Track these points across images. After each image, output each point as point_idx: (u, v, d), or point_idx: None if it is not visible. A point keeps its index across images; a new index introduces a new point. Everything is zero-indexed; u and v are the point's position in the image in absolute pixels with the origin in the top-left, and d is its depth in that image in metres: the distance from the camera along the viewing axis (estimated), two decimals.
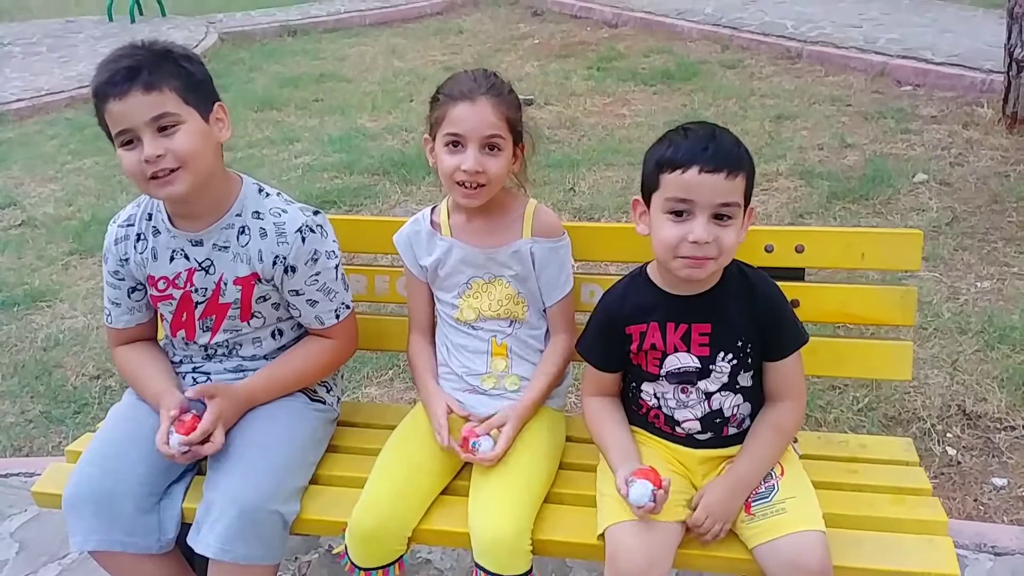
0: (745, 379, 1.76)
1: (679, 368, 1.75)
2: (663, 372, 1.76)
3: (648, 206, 1.69)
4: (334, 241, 1.97)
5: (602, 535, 1.70)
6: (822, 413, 2.94)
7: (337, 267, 1.96)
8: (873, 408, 2.97)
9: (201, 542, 1.79)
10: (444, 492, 1.89)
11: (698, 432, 1.79)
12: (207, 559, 1.81)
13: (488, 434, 1.83)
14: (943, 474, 2.69)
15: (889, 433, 2.84)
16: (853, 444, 2.02)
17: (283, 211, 1.91)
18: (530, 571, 1.73)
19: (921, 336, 3.32)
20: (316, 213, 1.95)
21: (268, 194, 1.95)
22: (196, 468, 1.96)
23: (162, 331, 2.07)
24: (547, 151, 5.39)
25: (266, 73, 7.93)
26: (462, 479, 1.91)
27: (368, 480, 1.85)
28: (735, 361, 1.73)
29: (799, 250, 1.97)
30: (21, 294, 4.17)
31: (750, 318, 1.72)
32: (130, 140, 1.75)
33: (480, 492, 1.81)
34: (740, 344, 1.73)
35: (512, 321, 1.97)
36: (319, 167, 5.52)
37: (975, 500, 2.60)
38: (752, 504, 1.69)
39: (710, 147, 1.60)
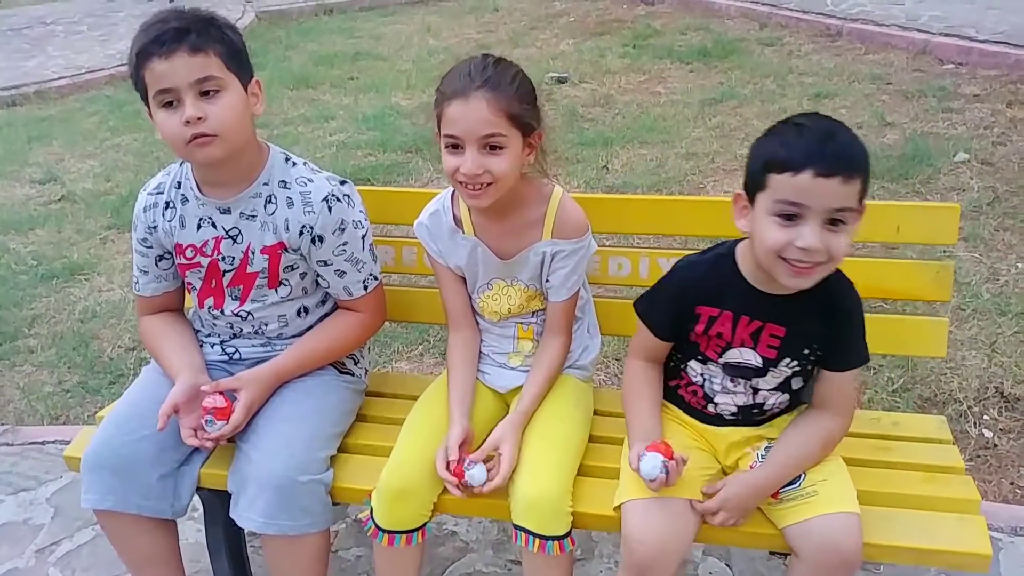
0: (797, 382, 1.72)
1: (739, 362, 1.69)
2: (721, 361, 1.70)
3: (751, 203, 1.55)
4: (361, 211, 1.96)
5: (618, 508, 1.69)
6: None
7: (364, 237, 1.95)
8: (908, 389, 2.92)
9: (243, 517, 1.81)
10: None
11: (731, 415, 1.76)
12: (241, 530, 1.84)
13: (483, 461, 1.74)
14: (979, 456, 2.64)
15: (925, 414, 2.79)
16: (886, 422, 1.99)
17: (309, 180, 1.91)
18: (569, 533, 1.72)
19: (959, 317, 3.25)
20: (343, 183, 1.95)
21: (295, 163, 1.95)
22: None
23: (190, 302, 2.08)
24: (580, 129, 5.37)
25: (302, 51, 7.97)
26: None
27: (397, 442, 1.86)
28: (797, 367, 1.68)
29: None
30: (60, 267, 4.24)
31: (826, 327, 1.63)
32: (170, 102, 1.75)
33: (520, 455, 1.79)
34: (807, 352, 1.67)
35: (535, 312, 1.96)
36: (353, 144, 5.54)
37: (1011, 484, 2.54)
38: (780, 491, 1.66)
39: (827, 148, 1.45)
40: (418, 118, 5.86)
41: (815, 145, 1.45)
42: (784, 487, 1.66)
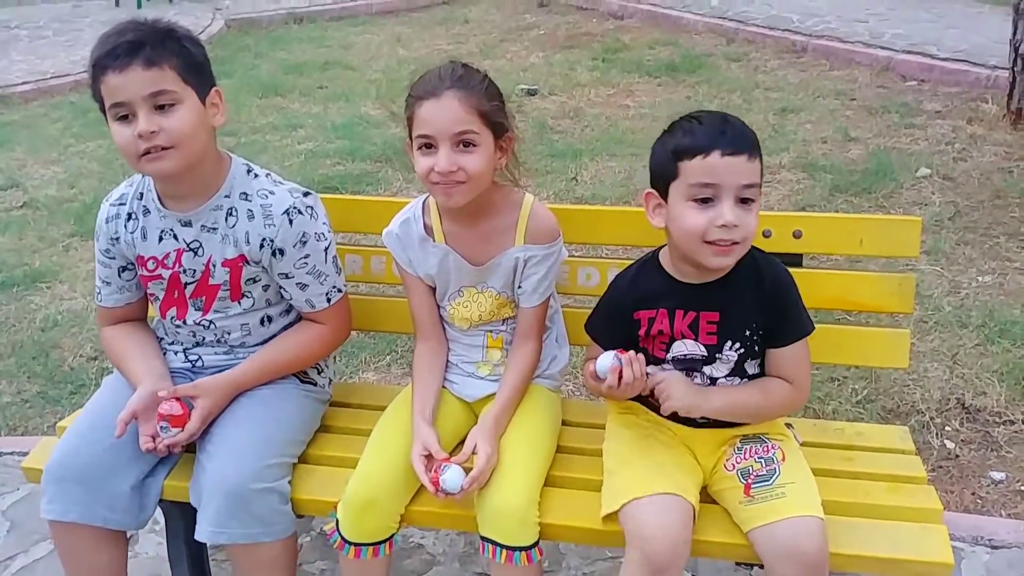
0: (752, 367, 1.75)
1: (685, 354, 1.74)
2: (669, 356, 1.75)
3: (664, 197, 1.66)
4: (324, 223, 1.94)
5: (610, 516, 1.68)
6: (820, 404, 2.93)
7: (327, 249, 1.94)
8: (872, 400, 2.96)
9: (198, 531, 1.78)
10: None
11: (701, 417, 1.77)
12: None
13: (461, 465, 1.72)
14: (941, 467, 2.68)
15: (888, 425, 2.83)
16: (849, 432, 2.01)
17: (271, 192, 1.90)
18: (537, 543, 1.71)
19: (921, 329, 3.31)
20: (306, 194, 1.93)
21: (257, 175, 1.93)
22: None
23: (153, 311, 2.06)
24: (550, 141, 5.39)
25: (271, 60, 7.92)
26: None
27: (363, 453, 1.84)
28: (742, 350, 1.72)
29: (797, 235, 1.95)
30: (21, 275, 4.17)
31: (759, 305, 1.70)
32: (125, 115, 1.74)
33: None
34: (748, 333, 1.72)
35: (505, 320, 1.96)
36: (322, 153, 5.51)
37: (973, 494, 2.59)
38: (752, 486, 1.68)
39: (728, 130, 1.59)
40: (388, 127, 5.85)
41: (717, 128, 1.60)
42: (757, 483, 1.68)
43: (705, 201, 1.58)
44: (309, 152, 5.57)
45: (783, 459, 1.73)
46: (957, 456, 2.73)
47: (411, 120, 1.77)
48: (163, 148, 1.74)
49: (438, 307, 1.97)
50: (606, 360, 1.66)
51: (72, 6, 10.66)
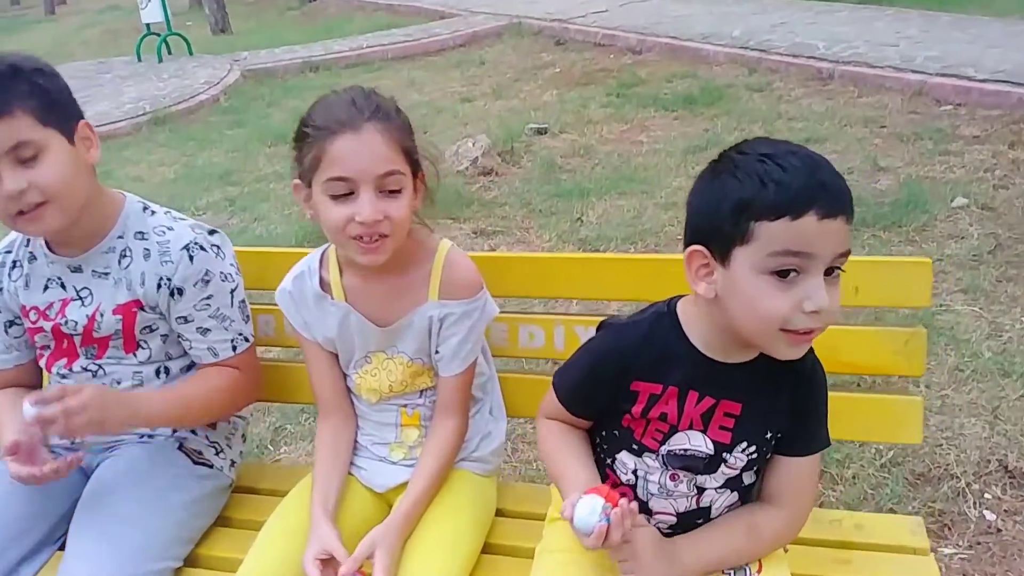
0: (749, 476, 1.38)
1: (685, 450, 1.34)
2: (663, 450, 1.36)
3: (721, 261, 1.21)
4: (232, 264, 1.72)
5: None
6: (839, 468, 2.56)
7: (234, 292, 1.70)
8: (898, 463, 2.57)
9: None
10: None
11: (668, 527, 1.40)
12: None
13: (360, 571, 1.43)
14: (980, 543, 2.29)
15: (917, 493, 2.45)
16: (847, 524, 1.62)
17: (169, 228, 1.67)
18: None
19: (957, 379, 2.92)
20: (212, 232, 1.71)
21: (154, 212, 1.71)
22: (57, 543, 1.68)
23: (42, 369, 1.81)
24: (557, 180, 5.12)
25: (284, 108, 7.83)
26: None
27: (248, 553, 1.53)
28: (755, 455, 1.35)
29: None
30: None
31: (789, 404, 1.33)
32: None
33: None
34: (768, 436, 1.34)
35: (422, 391, 1.64)
36: None
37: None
38: None
39: (825, 181, 1.16)
40: None
41: (812, 180, 1.15)
42: None
43: (785, 274, 1.17)
44: None
45: (759, 570, 1.37)
46: (999, 530, 2.32)
47: (317, 160, 1.45)
48: (39, 204, 1.52)
49: (344, 377, 1.68)
50: (591, 517, 1.19)
51: (98, 62, 10.80)
